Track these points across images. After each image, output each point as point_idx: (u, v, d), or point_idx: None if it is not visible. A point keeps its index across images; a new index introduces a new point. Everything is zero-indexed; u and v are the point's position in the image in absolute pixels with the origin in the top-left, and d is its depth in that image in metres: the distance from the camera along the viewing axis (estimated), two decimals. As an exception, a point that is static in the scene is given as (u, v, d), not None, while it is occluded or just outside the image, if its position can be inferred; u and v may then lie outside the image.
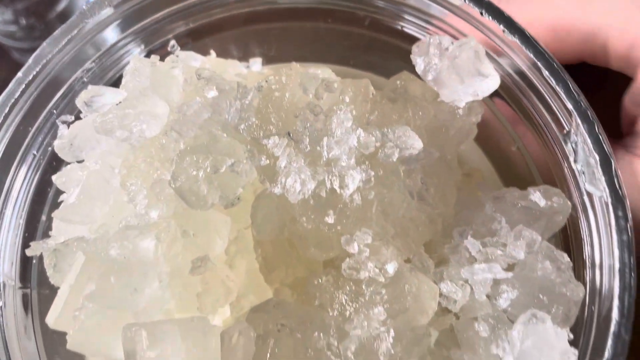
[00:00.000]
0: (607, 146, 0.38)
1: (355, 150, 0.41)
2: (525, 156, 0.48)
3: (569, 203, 0.42)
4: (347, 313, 0.42)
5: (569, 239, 0.44)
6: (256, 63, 0.58)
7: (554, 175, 0.44)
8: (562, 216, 0.42)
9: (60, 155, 0.46)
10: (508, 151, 0.50)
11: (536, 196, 0.42)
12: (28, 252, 0.44)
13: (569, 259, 0.41)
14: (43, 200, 0.48)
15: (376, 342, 0.40)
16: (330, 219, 0.40)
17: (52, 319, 0.40)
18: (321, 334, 0.41)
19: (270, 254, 0.49)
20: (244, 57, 0.57)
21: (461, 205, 0.44)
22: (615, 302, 0.35)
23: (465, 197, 0.44)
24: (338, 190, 0.41)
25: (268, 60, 0.57)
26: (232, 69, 0.54)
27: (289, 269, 0.49)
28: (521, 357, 0.37)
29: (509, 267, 0.41)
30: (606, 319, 0.36)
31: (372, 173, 0.41)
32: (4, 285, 0.44)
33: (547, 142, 0.43)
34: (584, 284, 0.40)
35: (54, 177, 0.46)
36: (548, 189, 0.43)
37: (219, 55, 0.54)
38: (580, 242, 0.42)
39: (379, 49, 0.56)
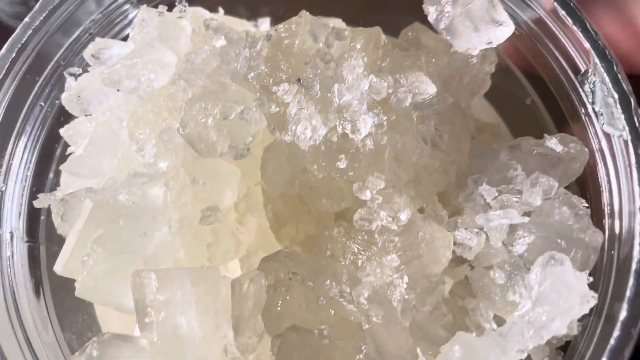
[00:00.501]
0: (625, 84, 0.37)
1: (367, 96, 0.41)
2: (540, 109, 0.47)
3: (586, 149, 0.41)
4: (359, 262, 0.41)
5: (586, 188, 0.43)
6: (264, 23, 0.57)
7: (570, 123, 0.43)
8: (579, 163, 0.41)
9: (68, 108, 0.46)
10: (522, 105, 0.49)
11: (552, 142, 0.41)
12: (36, 204, 0.43)
13: (587, 205, 0.40)
14: (51, 157, 0.48)
15: (389, 289, 0.39)
16: (342, 164, 0.40)
17: (61, 266, 0.39)
18: (333, 282, 0.40)
19: (281, 210, 0.48)
20: (252, 16, 0.56)
21: (475, 154, 0.43)
22: (637, 240, 0.34)
23: (479, 146, 0.43)
24: (350, 135, 0.40)
25: (276, 20, 0.56)
26: (240, 28, 0.53)
27: (300, 224, 0.48)
28: (539, 300, 0.36)
29: (525, 215, 0.40)
30: (627, 259, 0.35)
31: (385, 118, 0.40)
32: (12, 235, 0.43)
33: (562, 89, 0.42)
34: (603, 231, 0.39)
35: (61, 130, 0.45)
36: (565, 136, 0.42)
37: (227, 14, 0.54)
38: (598, 189, 0.41)
39: (390, 7, 0.56)
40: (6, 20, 0.71)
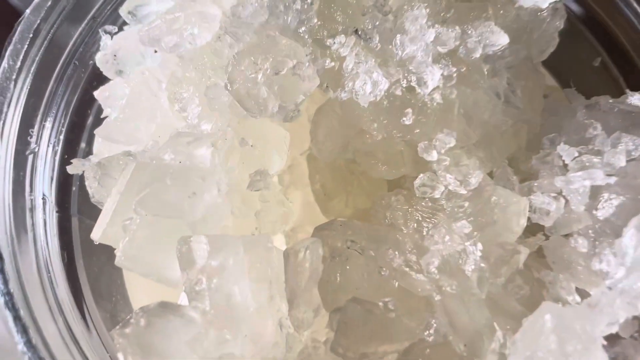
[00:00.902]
0: None
1: (432, 48, 0.37)
2: (611, 70, 0.44)
3: (674, 106, 0.37)
4: (424, 230, 0.37)
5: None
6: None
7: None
8: (666, 121, 0.38)
9: (102, 69, 0.43)
10: (589, 68, 0.45)
11: (635, 99, 0.38)
12: (70, 169, 0.40)
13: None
14: (82, 125, 0.45)
15: (461, 258, 0.35)
16: (408, 120, 0.36)
17: (99, 232, 0.36)
18: (396, 252, 0.36)
19: (329, 181, 0.45)
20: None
21: (549, 113, 0.39)
22: None
23: (553, 105, 0.39)
24: (417, 89, 0.36)
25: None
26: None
27: (350, 197, 0.45)
28: (634, 267, 0.32)
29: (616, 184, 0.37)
30: None
31: (454, 70, 0.36)
32: (45, 201, 0.40)
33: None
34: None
35: (96, 93, 0.42)
36: (647, 93, 0.38)
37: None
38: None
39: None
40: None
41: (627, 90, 0.38)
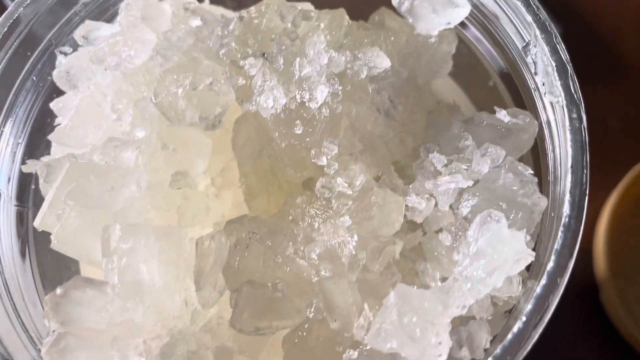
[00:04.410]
0: (563, 54, 0.39)
1: (326, 69, 0.43)
2: (499, 89, 0.49)
3: (535, 121, 0.43)
4: (316, 224, 0.43)
5: (539, 159, 0.45)
6: (250, 13, 0.60)
7: (523, 99, 0.46)
8: (528, 134, 0.43)
9: (58, 84, 0.50)
10: (486, 87, 0.51)
11: (502, 114, 0.43)
12: (24, 168, 0.47)
13: (532, 172, 0.42)
14: (43, 130, 0.52)
15: (340, 247, 0.41)
16: (298, 130, 0.42)
17: (39, 220, 0.43)
18: (290, 242, 0.43)
19: (253, 183, 0.51)
20: (238, 7, 0.59)
21: (431, 127, 0.45)
22: (567, 197, 0.36)
23: (435, 120, 0.45)
24: (307, 104, 0.43)
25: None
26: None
27: (271, 196, 0.51)
28: (476, 256, 0.38)
29: (474, 184, 0.42)
30: (558, 217, 0.37)
31: (340, 88, 0.43)
32: (0, 195, 0.47)
33: (515, 66, 0.45)
34: (547, 196, 0.41)
35: (51, 104, 0.49)
36: (516, 110, 0.44)
37: (213, 4, 0.57)
38: (546, 159, 0.43)
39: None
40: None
41: (495, 107, 0.44)
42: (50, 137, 0.49)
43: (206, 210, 0.47)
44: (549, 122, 0.43)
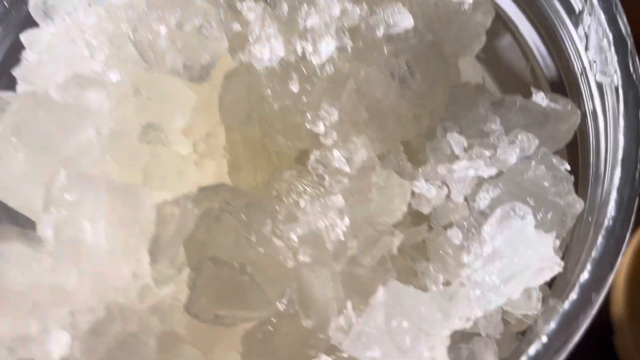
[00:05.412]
0: (623, 25, 0.32)
1: (336, 22, 0.37)
2: (538, 75, 0.42)
3: (578, 111, 0.36)
4: (303, 202, 0.36)
5: (577, 156, 0.37)
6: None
7: (566, 87, 0.38)
8: (568, 124, 0.36)
9: (33, 14, 0.44)
10: (518, 74, 0.44)
11: (539, 97, 0.36)
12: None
13: (568, 169, 0.34)
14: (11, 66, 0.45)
15: (327, 231, 0.34)
16: (294, 86, 0.36)
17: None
18: (268, 219, 0.36)
19: (240, 153, 0.44)
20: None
21: (453, 104, 0.38)
22: (613, 195, 0.29)
23: (459, 96, 0.38)
24: (308, 58, 0.36)
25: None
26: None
27: (259, 170, 0.44)
28: (490, 258, 0.30)
29: (498, 175, 0.35)
30: (599, 219, 0.29)
31: (351, 44, 0.36)
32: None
33: (556, 39, 0.37)
34: (585, 198, 0.34)
35: (21, 35, 0.43)
36: (556, 95, 0.37)
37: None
38: (587, 155, 0.36)
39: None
40: None
41: (533, 88, 0.37)
42: (14, 72, 0.42)
43: (179, 174, 0.40)
44: (594, 113, 0.36)
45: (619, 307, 0.58)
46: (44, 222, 0.32)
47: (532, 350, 0.26)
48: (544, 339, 0.26)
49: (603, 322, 0.60)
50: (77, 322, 0.30)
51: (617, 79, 0.31)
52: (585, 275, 0.27)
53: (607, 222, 0.28)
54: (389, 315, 0.28)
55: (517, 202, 0.31)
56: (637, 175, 0.29)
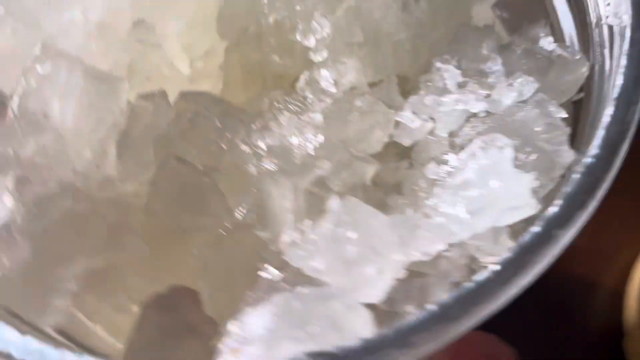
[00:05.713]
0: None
1: None
2: (556, 31, 0.40)
3: (587, 62, 0.33)
4: (281, 117, 0.35)
5: (579, 118, 0.35)
6: None
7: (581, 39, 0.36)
8: (574, 75, 0.34)
9: None
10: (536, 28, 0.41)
11: (546, 41, 0.34)
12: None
13: (565, 116, 0.32)
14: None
15: (299, 147, 0.33)
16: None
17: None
18: (242, 129, 0.34)
19: (236, 74, 0.43)
20: None
21: (456, 41, 0.36)
22: (600, 133, 0.26)
23: (463, 33, 0.36)
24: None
25: None
26: None
27: (251, 94, 0.43)
28: (460, 188, 0.28)
29: (488, 114, 0.33)
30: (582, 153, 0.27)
31: (354, -42, 0.34)
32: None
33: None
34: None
35: None
36: (564, 44, 0.35)
37: None
38: (587, 113, 0.33)
39: None
40: None
41: (540, 32, 0.34)
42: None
43: (165, 75, 0.39)
44: (602, 69, 0.33)
45: (632, 312, 0.58)
46: (12, 92, 0.32)
47: (482, 276, 0.24)
48: (496, 267, 0.24)
49: (613, 325, 0.59)
50: (25, 190, 0.29)
51: (628, 18, 0.28)
52: (553, 209, 0.25)
53: (589, 159, 0.26)
54: (338, 225, 0.26)
55: (499, 135, 0.29)
56: (629, 116, 0.26)
